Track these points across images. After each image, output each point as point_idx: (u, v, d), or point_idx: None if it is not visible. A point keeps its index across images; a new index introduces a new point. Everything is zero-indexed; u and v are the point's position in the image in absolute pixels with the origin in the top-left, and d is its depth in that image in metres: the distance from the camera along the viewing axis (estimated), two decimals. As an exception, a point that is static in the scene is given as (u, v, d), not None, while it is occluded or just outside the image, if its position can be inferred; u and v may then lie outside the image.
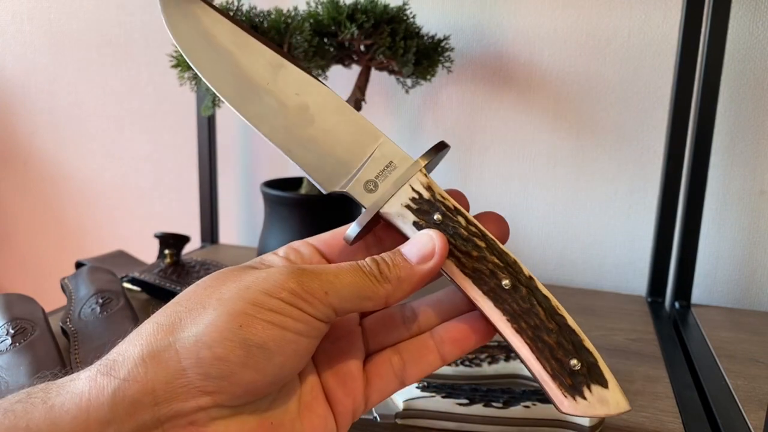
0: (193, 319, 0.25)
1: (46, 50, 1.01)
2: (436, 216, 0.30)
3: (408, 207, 0.30)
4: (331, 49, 0.63)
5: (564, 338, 0.28)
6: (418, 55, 0.65)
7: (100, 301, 0.54)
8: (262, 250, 0.67)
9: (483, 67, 0.79)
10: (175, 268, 0.66)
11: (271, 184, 0.70)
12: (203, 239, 0.89)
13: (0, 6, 1.02)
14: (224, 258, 0.81)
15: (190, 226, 0.92)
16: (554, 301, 0.29)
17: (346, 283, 0.27)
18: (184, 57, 0.32)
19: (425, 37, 0.68)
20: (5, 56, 1.04)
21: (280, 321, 0.25)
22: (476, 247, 0.29)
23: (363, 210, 0.30)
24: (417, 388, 0.42)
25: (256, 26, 0.58)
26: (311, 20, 0.61)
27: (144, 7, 0.94)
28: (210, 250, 0.86)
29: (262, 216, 0.70)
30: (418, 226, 0.30)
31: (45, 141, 1.05)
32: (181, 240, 0.70)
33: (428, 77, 0.69)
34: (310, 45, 0.58)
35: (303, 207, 0.65)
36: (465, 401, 0.41)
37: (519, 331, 0.28)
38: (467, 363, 0.47)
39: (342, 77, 0.73)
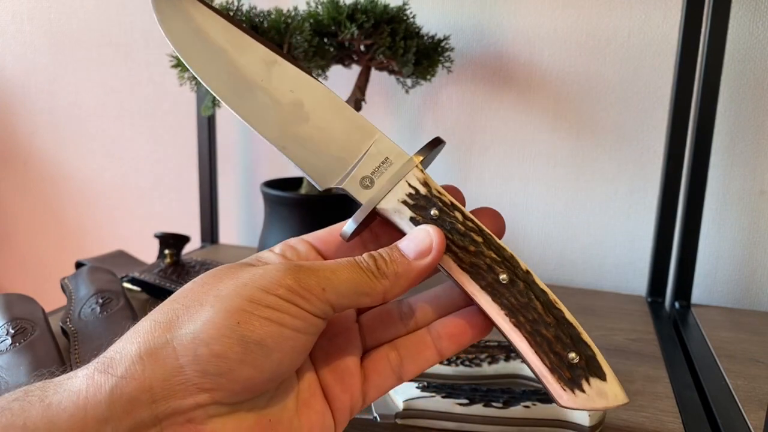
0: (191, 316, 0.25)
1: (46, 50, 1.01)
2: (433, 211, 0.30)
3: (405, 203, 0.30)
4: (331, 49, 0.63)
5: (562, 332, 0.28)
6: (418, 55, 0.65)
7: (100, 301, 0.54)
8: (261, 250, 0.67)
9: (483, 67, 0.79)
10: (175, 268, 0.66)
11: (271, 184, 0.70)
12: (203, 239, 0.89)
13: (0, 6, 1.02)
14: (224, 258, 0.81)
15: (190, 226, 0.92)
16: (552, 295, 0.29)
17: (343, 280, 0.27)
18: (176, 54, 0.32)
19: (425, 37, 0.68)
20: (5, 56, 1.04)
21: (278, 318, 0.25)
22: (473, 242, 0.29)
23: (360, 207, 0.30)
24: (417, 388, 0.42)
25: (256, 26, 0.58)
26: (311, 20, 0.61)
27: (144, 7, 0.94)
28: (210, 250, 0.86)
29: (262, 216, 0.70)
30: (415, 222, 0.29)
31: (45, 141, 1.05)
32: (181, 240, 0.70)
33: (428, 77, 0.69)
34: (310, 45, 0.58)
35: (303, 207, 0.65)
36: (465, 401, 0.41)
37: (517, 325, 0.28)
38: (467, 363, 0.47)
39: (342, 77, 0.73)
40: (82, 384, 0.24)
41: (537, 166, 0.79)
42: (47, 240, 1.09)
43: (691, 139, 0.66)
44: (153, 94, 0.96)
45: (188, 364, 0.24)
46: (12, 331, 0.47)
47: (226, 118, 0.90)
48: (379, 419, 0.41)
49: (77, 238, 1.07)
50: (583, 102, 0.75)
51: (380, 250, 0.29)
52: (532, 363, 0.28)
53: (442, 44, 0.69)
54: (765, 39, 0.68)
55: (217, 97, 0.32)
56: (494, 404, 0.41)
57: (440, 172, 0.82)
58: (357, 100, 0.66)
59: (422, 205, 0.30)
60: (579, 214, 0.78)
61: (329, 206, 0.65)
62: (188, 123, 0.93)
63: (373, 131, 0.31)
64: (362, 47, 0.63)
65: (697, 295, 0.73)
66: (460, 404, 0.41)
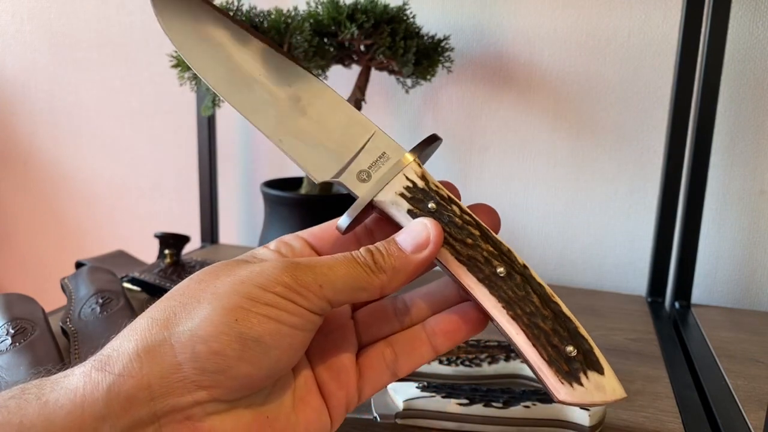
0: (188, 313, 0.25)
1: (46, 50, 1.01)
2: (431, 204, 0.30)
3: (402, 195, 0.30)
4: (331, 49, 0.63)
5: (559, 325, 0.28)
6: (418, 55, 0.65)
7: (100, 301, 0.54)
8: (262, 250, 0.67)
9: (483, 67, 0.79)
10: (175, 268, 0.66)
11: (271, 184, 0.70)
12: (203, 239, 0.89)
13: (0, 6, 1.02)
14: (224, 258, 0.81)
15: (190, 226, 0.92)
16: (548, 289, 0.28)
17: (341, 275, 0.27)
18: (175, 48, 0.32)
19: (425, 37, 0.68)
20: (5, 56, 1.04)
21: (276, 315, 0.25)
22: (471, 235, 0.29)
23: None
24: (417, 388, 0.42)
25: (256, 26, 0.58)
26: (311, 20, 0.61)
27: (144, 7, 0.94)
28: (210, 250, 0.86)
29: (262, 216, 0.70)
30: (412, 215, 0.29)
31: (45, 141, 1.05)
32: (181, 240, 0.70)
33: (428, 77, 0.69)
34: (310, 45, 0.58)
35: (303, 207, 0.65)
36: (465, 401, 0.41)
37: (514, 317, 0.28)
38: (467, 363, 0.47)
39: (342, 77, 0.73)
40: (79, 382, 0.24)
41: (537, 166, 0.79)
42: (47, 240, 1.09)
43: (691, 139, 0.66)
44: (153, 94, 0.96)
45: (186, 362, 0.24)
46: (12, 331, 0.47)
47: (226, 118, 0.90)
48: (379, 419, 0.41)
49: (77, 238, 1.07)
50: (583, 102, 0.75)
51: (377, 244, 0.29)
52: (528, 356, 0.28)
53: (442, 44, 0.69)
54: (765, 39, 0.68)
55: (214, 90, 0.32)
56: (494, 404, 0.41)
57: (440, 172, 0.82)
58: (357, 100, 0.66)
59: (420, 198, 0.30)
60: (579, 214, 0.78)
61: (329, 206, 0.65)
62: (188, 123, 0.93)
63: (371, 127, 0.32)
64: (362, 47, 0.63)
65: (697, 295, 0.73)
66: (460, 404, 0.41)
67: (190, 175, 0.95)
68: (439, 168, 0.82)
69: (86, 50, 0.98)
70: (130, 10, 0.94)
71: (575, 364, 0.27)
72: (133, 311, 0.53)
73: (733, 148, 0.71)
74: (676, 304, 0.68)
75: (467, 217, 0.29)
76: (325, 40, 0.63)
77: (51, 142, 1.04)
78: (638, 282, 0.77)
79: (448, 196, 0.30)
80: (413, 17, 0.66)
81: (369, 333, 0.32)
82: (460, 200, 0.31)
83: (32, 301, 0.54)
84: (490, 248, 0.29)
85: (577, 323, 0.28)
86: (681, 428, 0.44)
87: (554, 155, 0.78)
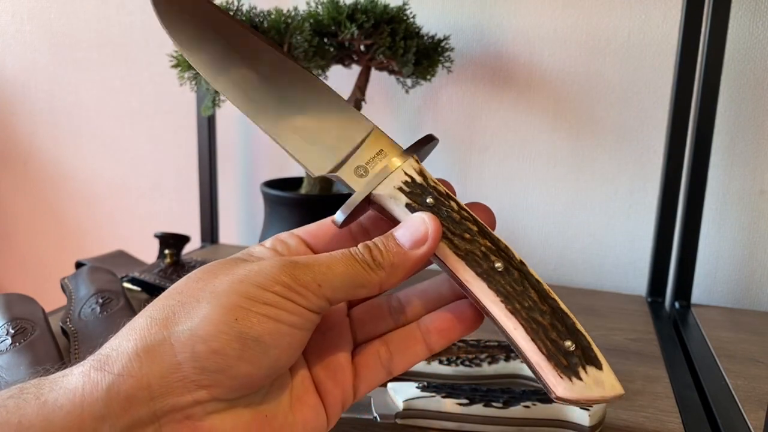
0: (187, 312, 0.25)
1: (46, 50, 1.01)
2: (429, 199, 0.29)
3: (400, 189, 0.30)
4: (331, 49, 0.63)
5: (557, 320, 0.28)
6: (418, 55, 0.65)
7: (100, 301, 0.54)
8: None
9: (483, 67, 0.79)
10: (175, 268, 0.66)
11: (271, 184, 0.70)
12: (203, 239, 0.89)
13: (0, 6, 1.02)
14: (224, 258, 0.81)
15: (190, 226, 0.92)
16: (545, 286, 0.28)
17: (339, 273, 0.27)
18: (175, 46, 0.32)
19: (425, 37, 0.68)
20: (5, 56, 1.04)
21: (275, 314, 0.25)
22: (468, 230, 0.29)
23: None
24: (417, 388, 0.42)
25: (256, 26, 0.58)
26: (311, 20, 0.61)
27: (144, 7, 0.94)
28: (210, 250, 0.86)
29: (262, 216, 0.70)
30: (411, 209, 0.29)
31: (45, 141, 1.05)
32: (181, 240, 0.70)
33: (428, 77, 0.69)
34: (310, 45, 0.58)
35: (303, 207, 0.65)
36: (465, 401, 0.41)
37: (513, 312, 0.28)
38: (467, 363, 0.47)
39: (342, 77, 0.73)
40: (78, 382, 0.24)
41: (537, 166, 0.79)
42: (47, 240, 1.09)
43: (691, 139, 0.66)
44: (153, 94, 0.96)
45: (186, 361, 0.24)
46: (12, 331, 0.47)
47: (226, 118, 0.90)
48: (379, 419, 0.41)
49: (77, 238, 1.07)
50: (583, 102, 0.75)
51: (375, 240, 0.28)
52: (526, 352, 0.27)
53: (442, 44, 0.69)
54: (765, 39, 0.68)
55: (213, 85, 0.32)
56: (494, 404, 0.41)
57: (440, 172, 0.82)
58: (357, 100, 0.66)
59: (418, 193, 0.30)
60: (579, 214, 0.78)
61: (329, 206, 0.64)
62: (188, 123, 0.93)
63: (368, 125, 0.32)
64: (362, 47, 0.63)
65: (697, 295, 0.72)
66: (460, 404, 0.41)
67: (190, 175, 0.95)
68: (438, 168, 0.82)
69: (86, 50, 0.98)
70: (130, 10, 0.94)
71: (574, 359, 0.27)
72: (133, 311, 0.53)
73: (733, 148, 0.71)
74: (676, 304, 0.68)
75: (465, 213, 0.29)
76: (325, 40, 0.63)
77: (51, 142, 1.04)
78: (638, 282, 0.77)
79: (446, 192, 0.30)
80: (413, 17, 0.66)
81: (364, 331, 0.32)
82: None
83: (32, 301, 0.54)
84: (488, 243, 0.29)
85: (575, 319, 0.28)
86: (681, 428, 0.44)
87: (554, 155, 0.78)
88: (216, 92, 0.63)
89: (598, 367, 0.27)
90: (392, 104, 0.83)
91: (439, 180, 0.31)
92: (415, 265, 0.28)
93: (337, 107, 0.32)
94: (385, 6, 0.63)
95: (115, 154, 1.01)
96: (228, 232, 0.95)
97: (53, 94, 1.02)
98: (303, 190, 0.69)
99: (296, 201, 0.65)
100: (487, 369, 0.47)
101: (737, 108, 0.70)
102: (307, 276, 0.26)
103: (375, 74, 0.69)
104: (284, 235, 0.31)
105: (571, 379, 0.27)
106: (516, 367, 0.47)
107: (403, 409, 0.41)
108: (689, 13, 0.64)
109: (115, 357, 0.24)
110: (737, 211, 0.72)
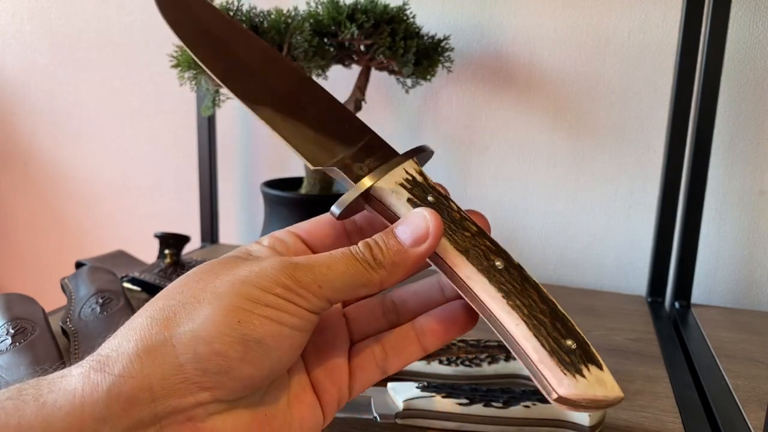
0: (189, 313, 0.25)
1: (46, 50, 1.01)
2: (430, 198, 0.29)
3: (402, 185, 0.30)
4: (331, 49, 0.63)
5: (557, 321, 0.27)
6: (418, 55, 0.65)
7: (100, 301, 0.54)
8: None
9: (483, 67, 0.79)
10: (175, 268, 0.66)
11: (271, 184, 0.70)
12: (203, 239, 0.89)
13: (0, 6, 1.02)
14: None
15: (190, 226, 0.92)
16: (543, 289, 0.28)
17: (340, 274, 0.27)
18: (178, 40, 0.32)
19: (425, 37, 0.68)
20: (5, 56, 1.04)
21: (277, 316, 0.25)
22: (468, 229, 0.29)
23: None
24: (417, 388, 0.42)
25: (256, 26, 0.58)
26: (311, 20, 0.61)
27: (144, 7, 0.94)
28: (210, 250, 0.86)
29: (262, 216, 0.70)
30: (412, 203, 0.29)
31: (45, 141, 1.05)
32: (181, 240, 0.70)
33: (428, 77, 0.69)
34: (310, 45, 0.58)
35: (303, 207, 0.65)
36: (465, 401, 0.41)
37: (515, 308, 0.27)
38: (467, 363, 0.47)
39: (342, 77, 0.73)
40: (78, 383, 0.23)
41: (537, 166, 0.79)
42: (47, 240, 1.09)
43: (691, 139, 0.66)
44: (153, 94, 0.96)
45: (188, 363, 0.24)
46: (12, 331, 0.47)
47: (226, 118, 0.90)
48: (379, 419, 0.41)
49: (77, 238, 1.07)
50: (583, 102, 0.75)
51: (375, 237, 0.28)
52: (527, 349, 0.27)
53: (442, 44, 0.69)
54: (765, 39, 0.68)
55: (216, 79, 0.32)
56: (494, 404, 0.41)
57: (440, 172, 0.82)
58: (357, 100, 0.66)
59: (419, 191, 0.30)
60: (579, 214, 0.78)
61: (329, 206, 0.64)
62: (188, 123, 0.93)
63: (367, 129, 0.32)
64: (362, 47, 0.63)
65: (697, 295, 0.72)
66: (460, 404, 0.41)
67: (190, 175, 0.95)
68: (438, 168, 0.82)
69: (86, 50, 0.98)
70: (130, 10, 0.94)
71: (575, 357, 0.26)
72: (133, 311, 0.53)
73: (733, 148, 0.71)
74: (676, 304, 0.68)
75: (464, 215, 0.30)
76: (325, 40, 0.63)
77: (51, 142, 1.04)
78: (638, 282, 0.77)
79: (445, 195, 0.30)
80: (413, 17, 0.66)
81: (359, 330, 0.32)
82: None
83: (32, 301, 0.54)
84: (488, 243, 0.29)
85: (573, 322, 0.28)
86: (681, 428, 0.44)
87: (554, 155, 0.78)
88: (216, 92, 0.63)
89: (599, 366, 0.27)
90: (392, 104, 0.83)
91: (436, 184, 0.31)
92: (415, 263, 0.28)
93: (337, 110, 0.32)
94: (385, 6, 0.63)
95: (115, 154, 1.01)
96: (228, 232, 0.95)
97: (53, 94, 1.02)
98: (303, 190, 0.69)
99: (296, 201, 0.65)
100: (487, 369, 0.47)
101: (737, 108, 0.70)
102: (308, 277, 0.26)
103: (375, 74, 0.69)
104: (281, 233, 0.31)
105: (575, 376, 0.26)
106: (516, 367, 0.47)
107: (403, 409, 0.41)
108: (689, 13, 0.64)
109: (115, 358, 0.24)
110: (737, 211, 0.72)
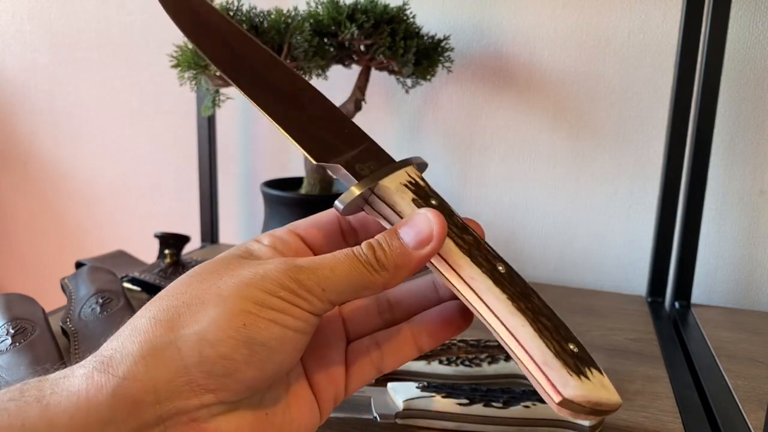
0: (193, 315, 0.25)
1: (46, 50, 1.01)
2: (433, 201, 0.30)
3: (406, 186, 0.30)
4: (331, 49, 0.63)
5: (559, 325, 0.27)
6: (418, 55, 0.65)
7: (100, 301, 0.54)
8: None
9: (483, 67, 0.79)
10: (175, 268, 0.66)
11: (271, 184, 0.70)
12: (203, 239, 0.89)
13: (0, 6, 1.02)
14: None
15: (190, 226, 0.92)
16: (542, 298, 0.28)
17: (343, 276, 0.27)
18: (183, 36, 0.33)
19: (425, 37, 0.68)
20: (5, 56, 1.04)
21: (282, 319, 0.25)
22: (470, 233, 0.29)
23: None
24: (417, 388, 0.42)
25: (256, 26, 0.58)
26: (311, 20, 0.61)
27: (144, 7, 0.94)
28: (210, 250, 0.86)
29: (262, 216, 0.70)
30: (417, 203, 0.29)
31: (45, 141, 1.05)
32: (181, 240, 0.70)
33: (428, 77, 0.69)
34: (310, 45, 0.58)
35: (303, 207, 0.65)
36: (465, 401, 0.41)
37: (520, 310, 0.27)
38: (467, 363, 0.47)
39: (342, 77, 0.73)
40: (81, 384, 0.23)
41: (537, 166, 0.79)
42: (47, 240, 1.09)
43: (691, 139, 0.66)
44: (153, 94, 0.96)
45: (193, 365, 0.24)
46: (12, 331, 0.47)
47: (226, 118, 0.90)
48: (379, 419, 0.41)
49: (77, 238, 1.07)
50: (583, 102, 0.75)
51: (378, 238, 0.28)
52: (534, 350, 0.26)
53: (442, 44, 0.69)
54: (765, 39, 0.68)
55: (220, 71, 0.32)
56: (494, 404, 0.41)
57: (440, 172, 0.82)
58: (357, 100, 0.66)
59: (422, 194, 0.30)
60: (579, 214, 0.78)
61: (329, 206, 0.64)
62: (188, 123, 0.93)
63: (366, 137, 0.32)
64: (362, 47, 0.63)
65: (697, 295, 0.72)
66: (460, 404, 0.41)
67: (190, 175, 0.95)
68: (438, 168, 0.82)
69: (86, 50, 0.98)
70: (130, 10, 0.94)
71: (579, 360, 0.27)
72: (133, 311, 0.53)
73: (733, 148, 0.71)
74: (676, 304, 0.68)
75: (463, 221, 0.30)
76: (325, 40, 0.63)
77: (51, 142, 1.04)
78: (638, 282, 0.77)
79: (446, 203, 0.30)
80: (413, 17, 0.66)
81: (355, 329, 0.32)
82: None
83: (32, 301, 0.54)
84: (489, 249, 0.29)
85: (572, 332, 0.28)
86: (681, 428, 0.44)
87: (554, 155, 0.78)
88: (216, 92, 0.63)
89: (600, 372, 0.27)
90: (392, 104, 0.83)
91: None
92: (419, 265, 0.28)
93: (336, 115, 0.33)
94: (385, 6, 0.63)
95: (115, 154, 1.01)
96: (228, 232, 0.95)
97: (53, 94, 1.02)
98: (303, 190, 0.69)
99: (296, 201, 0.65)
100: (487, 369, 0.47)
101: (737, 108, 0.70)
102: (311, 280, 0.26)
103: (375, 74, 0.69)
104: (280, 232, 0.31)
105: (580, 378, 0.26)
106: (516, 367, 0.47)
107: (403, 409, 0.41)
108: (689, 13, 0.64)
109: (119, 359, 0.24)
110: (737, 211, 0.72)
